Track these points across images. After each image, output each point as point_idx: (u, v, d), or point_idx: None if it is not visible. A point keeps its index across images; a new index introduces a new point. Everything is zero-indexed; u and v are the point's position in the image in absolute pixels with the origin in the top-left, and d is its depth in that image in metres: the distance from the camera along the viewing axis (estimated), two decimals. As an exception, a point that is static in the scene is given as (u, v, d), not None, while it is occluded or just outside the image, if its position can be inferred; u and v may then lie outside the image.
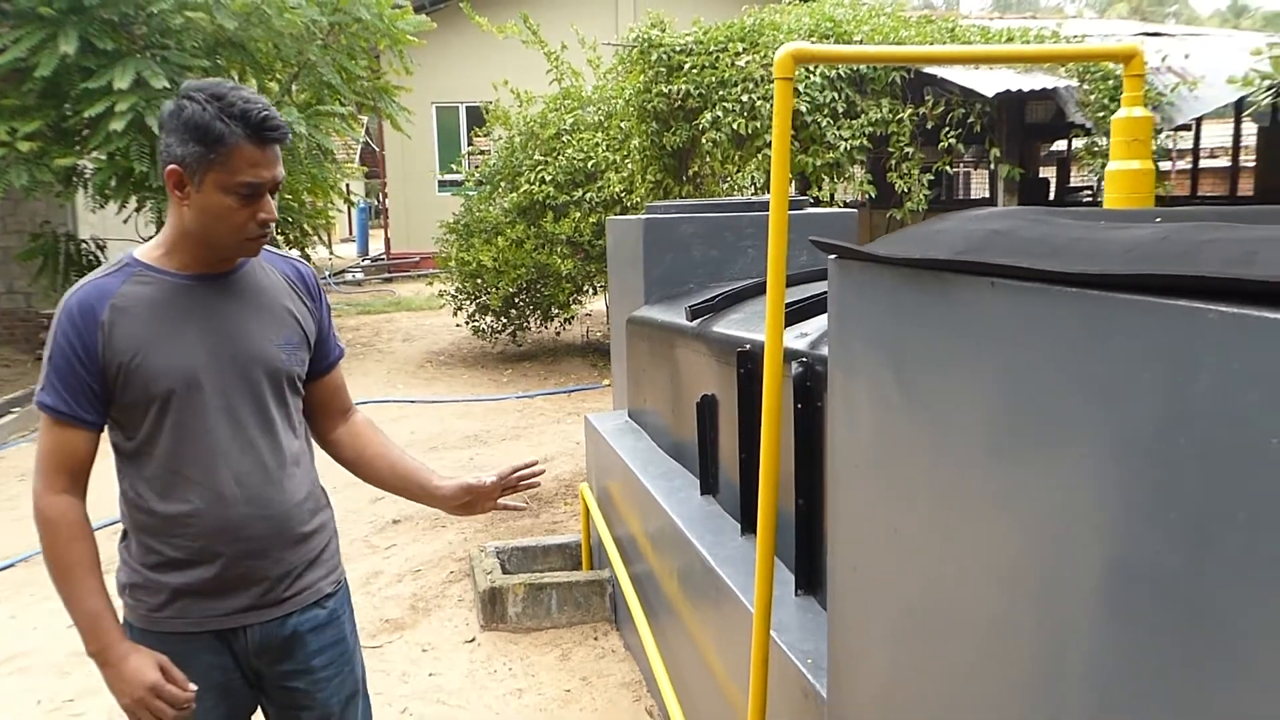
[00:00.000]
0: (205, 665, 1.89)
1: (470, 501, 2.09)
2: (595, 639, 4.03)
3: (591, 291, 10.90)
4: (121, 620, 1.88)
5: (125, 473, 1.89)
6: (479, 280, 10.19)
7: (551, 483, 6.15)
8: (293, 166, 10.26)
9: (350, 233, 29.03)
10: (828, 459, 1.82)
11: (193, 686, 1.83)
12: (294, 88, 10.35)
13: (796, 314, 2.48)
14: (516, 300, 10.41)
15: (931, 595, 1.49)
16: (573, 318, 11.07)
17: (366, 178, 25.18)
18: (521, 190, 10.02)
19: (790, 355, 2.31)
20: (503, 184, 10.47)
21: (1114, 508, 1.07)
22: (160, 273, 1.85)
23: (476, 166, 11.47)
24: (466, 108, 17.18)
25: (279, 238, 11.02)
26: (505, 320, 10.59)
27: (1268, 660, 0.89)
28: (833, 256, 1.74)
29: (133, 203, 10.04)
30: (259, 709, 2.09)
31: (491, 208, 10.51)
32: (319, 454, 2.12)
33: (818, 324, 2.51)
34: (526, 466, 2.12)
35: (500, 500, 2.12)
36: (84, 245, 10.88)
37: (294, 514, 1.93)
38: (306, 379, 2.03)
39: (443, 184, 16.79)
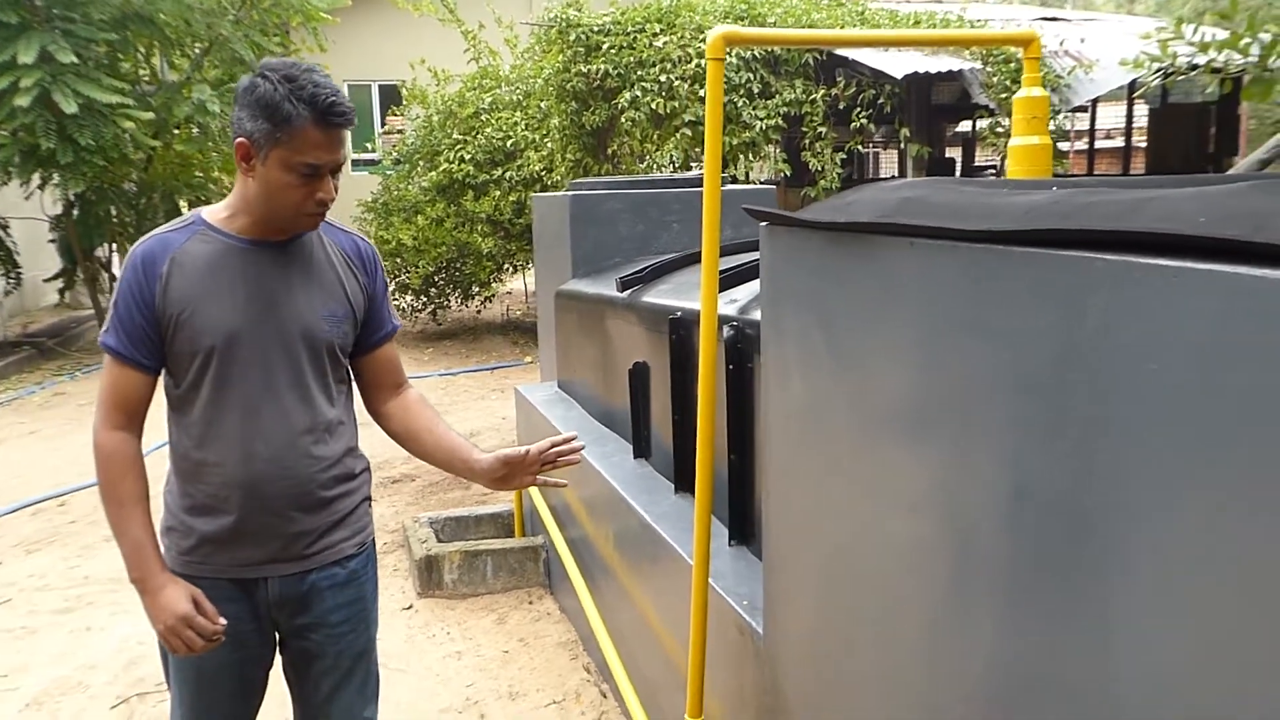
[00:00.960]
0: (223, 612, 1.96)
1: (507, 475, 2.11)
2: (530, 603, 4.16)
3: (511, 270, 10.96)
4: None
5: (172, 418, 2.01)
6: (399, 259, 10.18)
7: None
8: (205, 144, 10.11)
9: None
10: (760, 414, 1.97)
11: (222, 621, 1.93)
12: (204, 63, 10.17)
13: (725, 282, 2.63)
14: (436, 279, 10.43)
15: (855, 533, 1.65)
16: (493, 296, 11.13)
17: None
18: (441, 169, 10.03)
19: (722, 320, 2.46)
20: (421, 163, 10.46)
21: (1014, 437, 1.23)
22: (222, 234, 1.93)
23: (394, 145, 11.41)
24: (379, 86, 16.97)
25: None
26: (425, 299, 10.59)
27: (1136, 556, 1.05)
28: (764, 224, 1.89)
29: (36, 179, 9.79)
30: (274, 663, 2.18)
31: (410, 186, 10.49)
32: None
33: (745, 290, 2.67)
34: (565, 442, 2.13)
35: (540, 475, 2.15)
36: (-16, 225, 10.57)
37: (316, 478, 2.01)
38: (359, 353, 2.12)
39: (356, 163, 16.60)
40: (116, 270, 11.27)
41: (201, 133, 10.12)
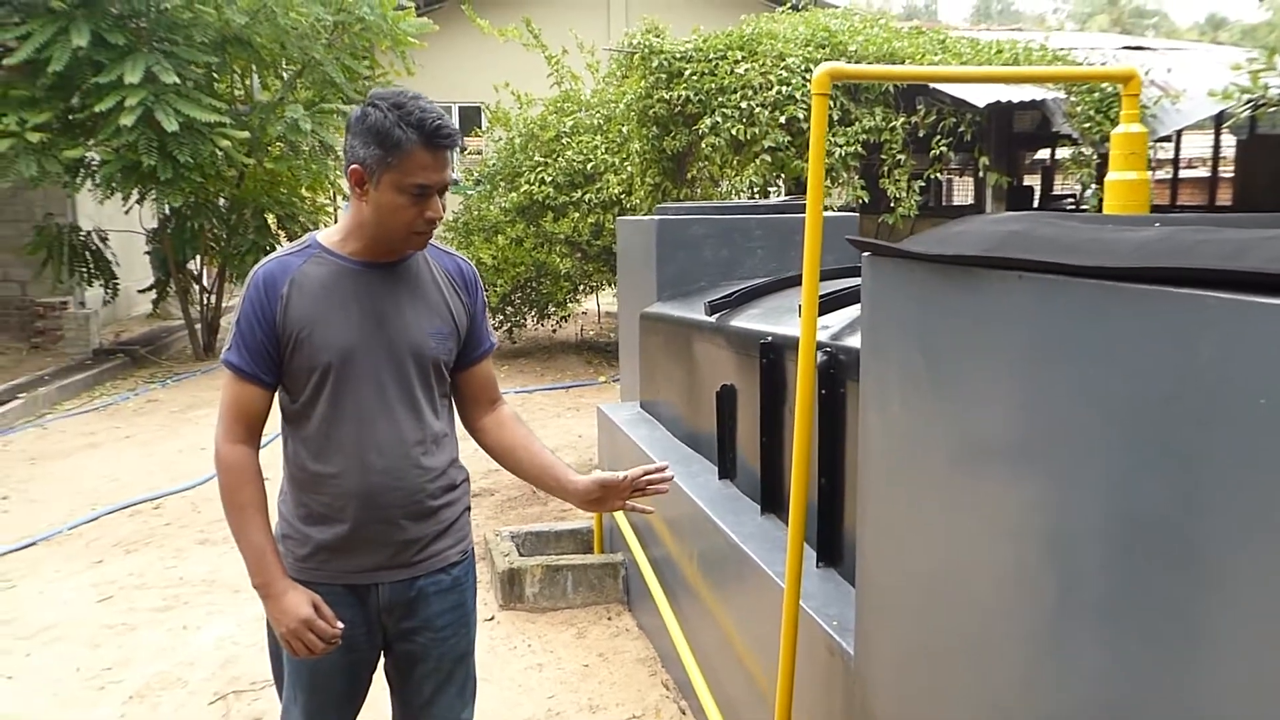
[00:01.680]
0: (341, 616, 2.07)
1: (601, 498, 2.19)
2: (609, 619, 4.23)
3: (587, 290, 11.11)
4: None
5: (288, 432, 2.13)
6: (478, 278, 10.36)
7: (557, 474, 6.35)
8: (295, 163, 10.43)
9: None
10: (859, 438, 2.02)
11: (340, 624, 2.04)
12: (297, 84, 10.51)
13: (820, 308, 2.69)
14: (513, 297, 10.61)
15: (952, 557, 1.70)
16: (569, 316, 11.27)
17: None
18: (521, 190, 10.21)
19: (817, 346, 2.52)
20: (502, 184, 10.66)
21: (1120, 467, 1.28)
22: (336, 256, 2.06)
23: (476, 166, 11.65)
24: (460, 108, 17.33)
25: (280, 233, 11.18)
26: (502, 317, 10.78)
27: (1241, 586, 1.09)
28: (867, 254, 1.95)
29: (135, 195, 10.18)
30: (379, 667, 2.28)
31: (491, 207, 10.70)
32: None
33: (837, 318, 2.73)
34: (657, 470, 2.20)
35: (629, 501, 2.22)
36: (87, 237, 11.00)
37: (426, 488, 2.12)
38: (457, 369, 2.23)
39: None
40: (206, 283, 11.65)
41: (291, 151, 10.45)
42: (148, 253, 12.00)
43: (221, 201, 10.90)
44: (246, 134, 9.53)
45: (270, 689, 3.64)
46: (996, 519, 1.55)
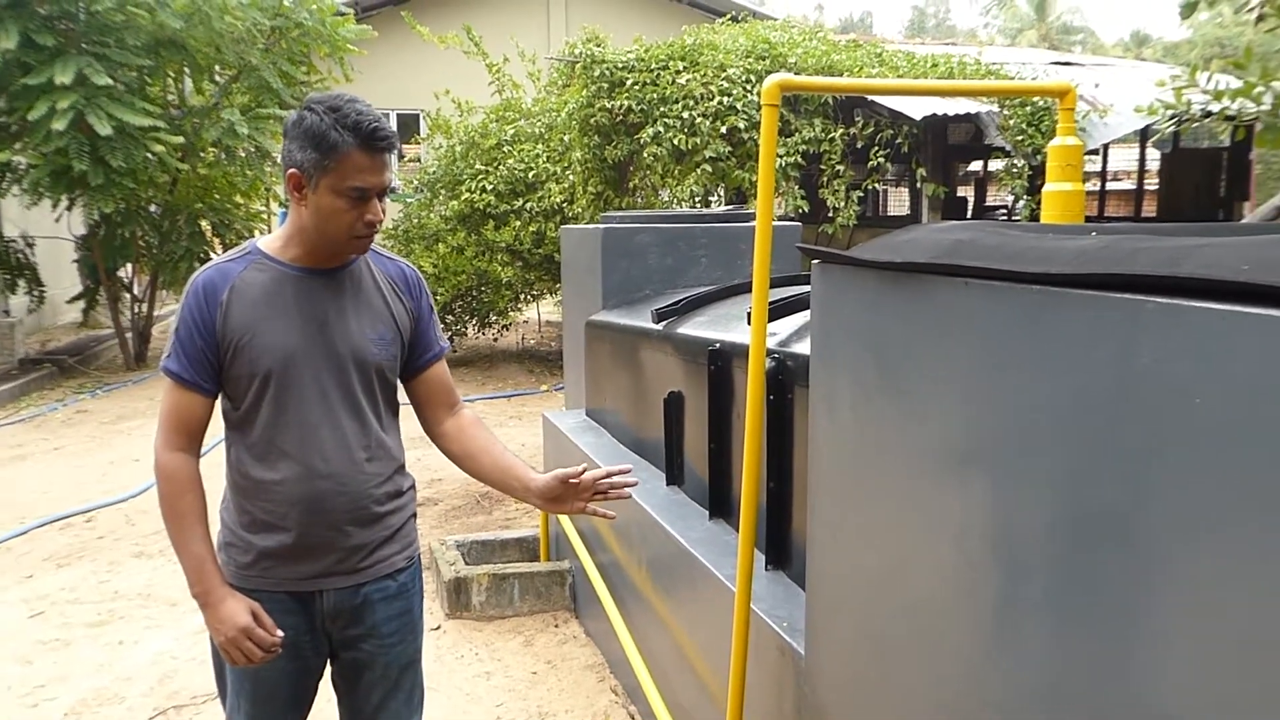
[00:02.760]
0: (280, 624, 2.06)
1: (562, 495, 2.19)
2: (556, 626, 4.24)
3: (529, 299, 11.09)
4: None
5: (231, 439, 2.10)
6: (418, 286, 10.30)
7: (500, 482, 6.34)
8: (231, 169, 10.29)
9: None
10: (809, 442, 2.06)
11: (280, 633, 2.03)
12: (232, 89, 10.36)
13: (769, 315, 2.73)
14: (454, 306, 10.56)
15: (902, 558, 1.74)
16: (510, 324, 11.24)
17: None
18: (462, 198, 10.17)
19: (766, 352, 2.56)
20: (443, 192, 10.61)
21: (1067, 464, 1.33)
22: (277, 263, 2.05)
23: (415, 174, 11.59)
24: (398, 115, 17.21)
25: (215, 239, 11.00)
26: (443, 326, 10.71)
27: (1184, 580, 1.15)
28: (817, 261, 2.00)
29: (64, 200, 9.96)
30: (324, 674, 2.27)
31: (431, 215, 10.64)
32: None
33: (785, 325, 2.77)
34: (621, 473, 2.21)
35: (590, 505, 2.21)
36: (12, 244, 10.73)
37: (371, 493, 2.11)
38: (410, 374, 2.22)
39: (373, 190, 16.78)
40: (138, 291, 11.42)
41: (227, 157, 10.30)
42: (76, 260, 11.74)
43: (154, 208, 10.69)
44: (181, 139, 9.37)
45: (211, 704, 3.60)
46: (945, 519, 1.60)
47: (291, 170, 1.96)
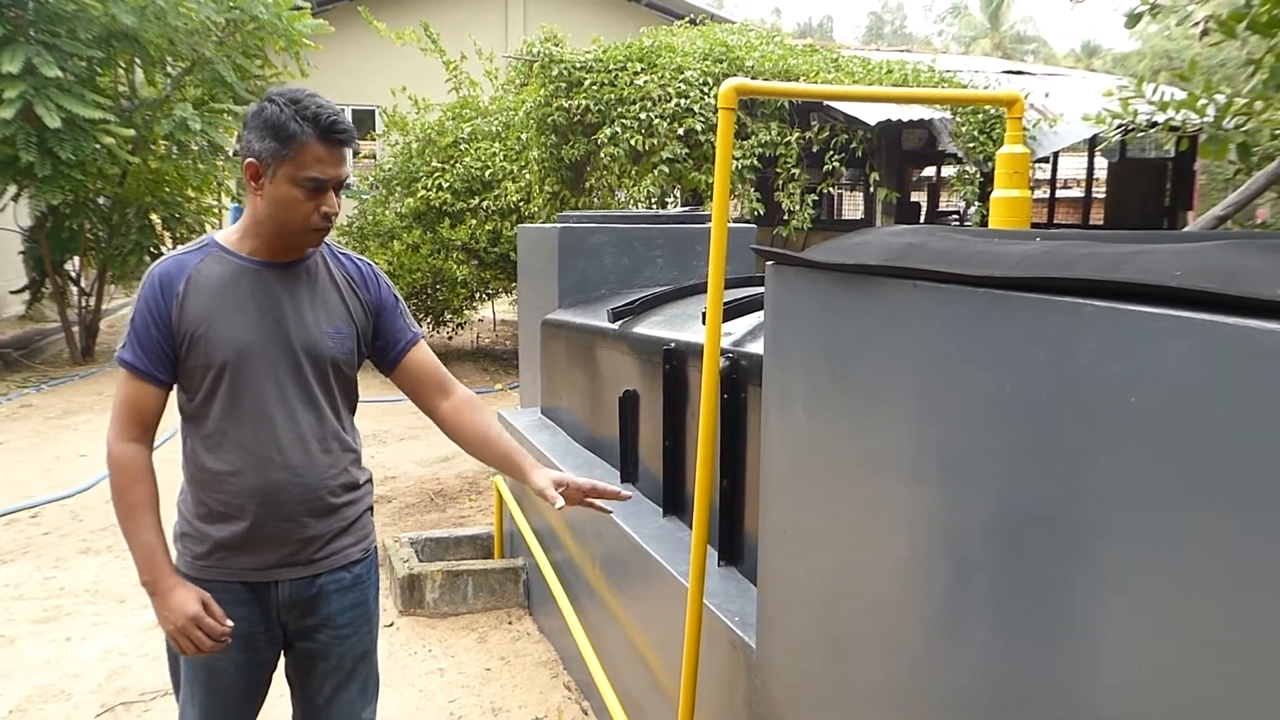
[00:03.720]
0: (235, 615, 2.07)
1: (560, 494, 2.21)
2: (510, 623, 4.25)
3: (484, 297, 11.07)
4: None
5: (186, 430, 2.11)
6: (373, 283, 10.24)
7: (455, 480, 6.34)
8: (183, 162, 10.16)
9: (224, 232, 28.39)
10: (762, 441, 2.10)
11: (229, 623, 2.04)
12: (185, 82, 10.23)
13: (723, 315, 2.77)
14: (409, 304, 10.50)
15: (852, 552, 1.78)
16: (465, 323, 11.21)
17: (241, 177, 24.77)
18: (419, 196, 10.14)
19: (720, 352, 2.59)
20: (399, 189, 10.56)
21: (1011, 462, 1.38)
22: (234, 255, 2.07)
23: (370, 171, 11.52)
24: (353, 110, 17.08)
25: (165, 233, 10.86)
26: (398, 324, 10.66)
27: (1122, 573, 1.20)
28: (771, 263, 2.04)
29: (10, 191, 9.78)
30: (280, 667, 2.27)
31: (387, 212, 10.59)
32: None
33: (739, 325, 2.81)
34: (617, 496, 2.27)
35: (587, 500, 2.25)
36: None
37: (326, 484, 2.13)
38: (388, 365, 2.26)
39: (328, 186, 16.65)
40: (85, 284, 11.23)
41: (179, 150, 10.16)
42: (22, 252, 11.52)
43: (103, 200, 10.53)
44: (131, 132, 9.24)
45: (161, 700, 3.57)
46: (894, 516, 1.64)
47: (249, 160, 1.98)
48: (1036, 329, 1.32)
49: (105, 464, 2.05)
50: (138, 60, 10.03)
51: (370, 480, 2.30)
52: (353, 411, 2.26)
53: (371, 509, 2.31)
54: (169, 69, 10.41)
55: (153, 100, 10.08)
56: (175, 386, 2.09)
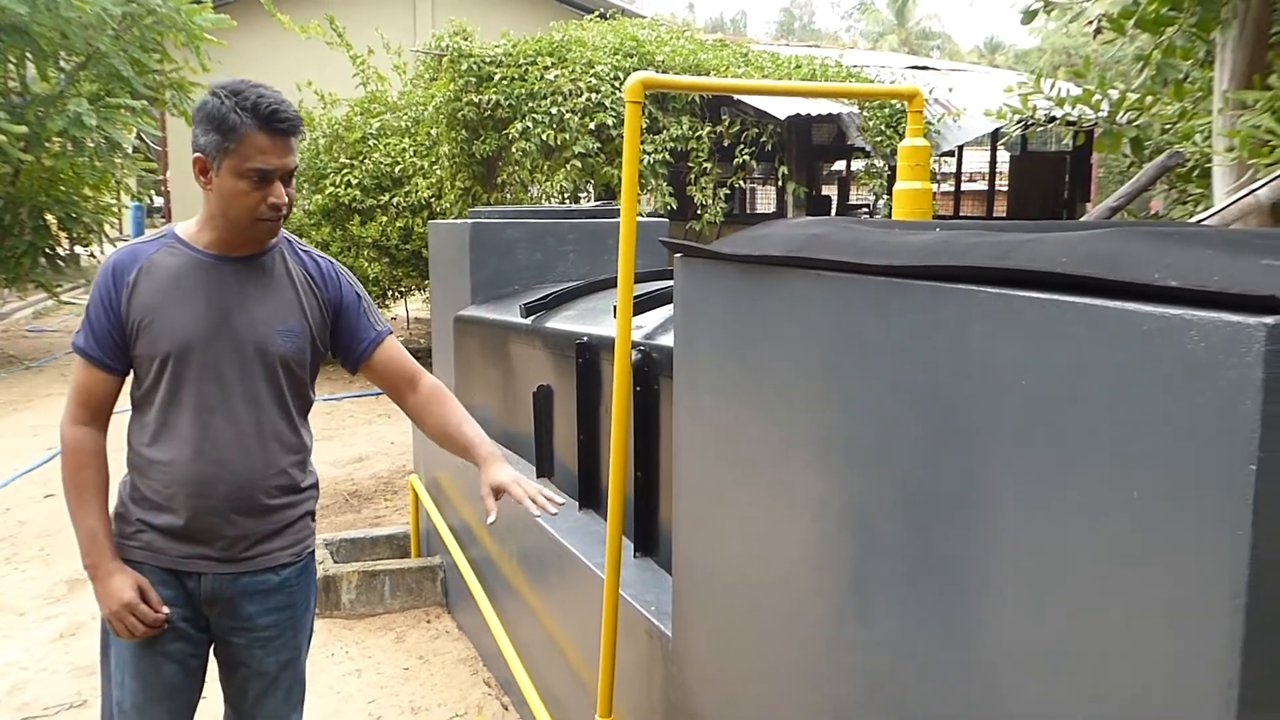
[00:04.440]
0: (163, 598, 2.09)
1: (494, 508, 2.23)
2: (428, 621, 4.22)
3: (397, 295, 10.93)
4: None
5: (132, 416, 2.13)
6: (281, 282, 10.06)
7: (370, 480, 6.26)
8: (79, 159, 9.83)
9: (123, 233, 27.54)
10: (674, 432, 2.12)
11: (165, 610, 2.06)
12: (80, 77, 9.90)
13: (634, 309, 2.79)
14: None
15: (763, 538, 1.82)
16: (377, 321, 11.06)
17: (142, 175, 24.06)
18: (327, 193, 9.96)
19: (631, 345, 2.61)
20: (306, 185, 10.37)
21: (913, 446, 1.42)
22: (189, 248, 2.08)
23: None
24: (259, 106, 16.71)
25: (61, 234, 10.50)
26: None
27: (1014, 549, 1.25)
28: (679, 255, 2.06)
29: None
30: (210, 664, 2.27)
31: (294, 209, 10.39)
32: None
33: (650, 318, 2.84)
34: (551, 502, 2.22)
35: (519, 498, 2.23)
36: None
37: (259, 484, 2.11)
38: (355, 363, 2.25)
39: (233, 183, 16.28)
40: (-23, 287, 10.81)
41: (75, 148, 9.84)
42: (-91, 253, 11.02)
43: (-7, 200, 10.15)
44: (24, 128, 8.91)
45: (66, 713, 3.47)
46: (802, 502, 1.68)
47: (197, 155, 1.98)
48: (933, 316, 1.37)
49: (59, 444, 2.09)
50: (28, 54, 9.67)
51: (315, 485, 2.27)
52: (304, 412, 2.23)
53: (313, 514, 2.28)
54: (62, 63, 10.07)
55: (46, 96, 9.74)
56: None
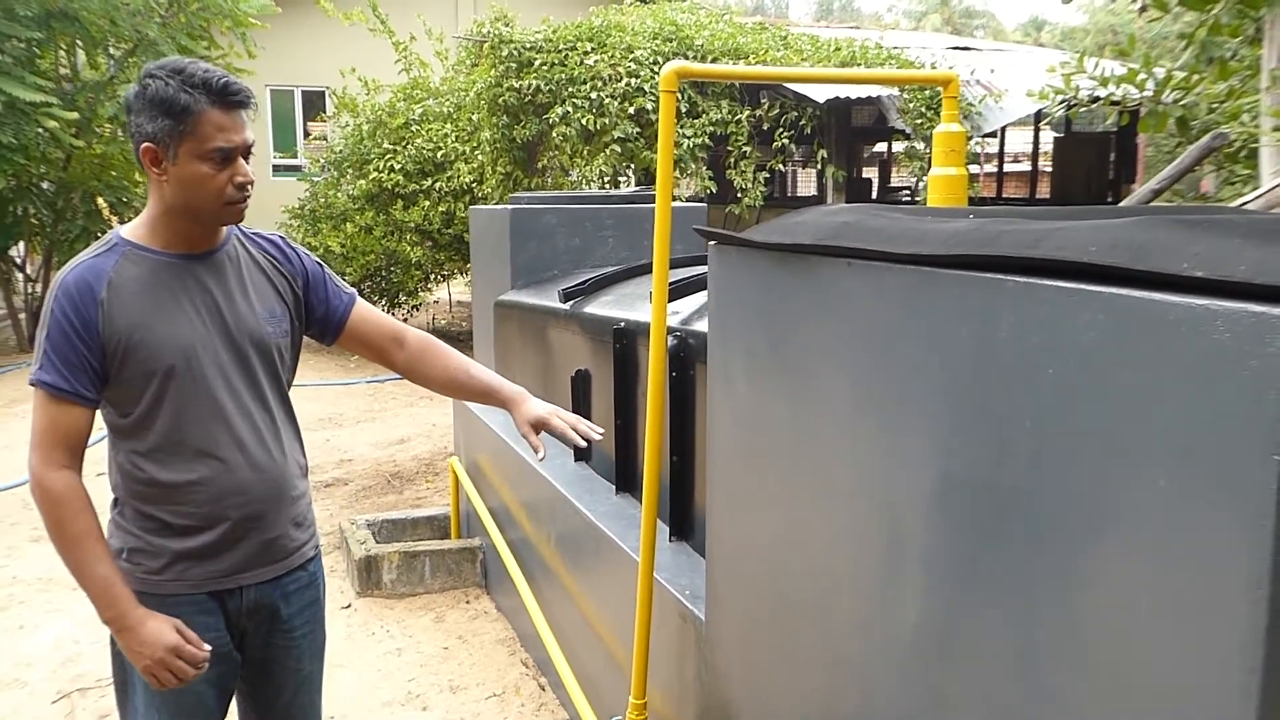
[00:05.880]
0: (199, 627, 1.94)
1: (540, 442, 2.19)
2: (467, 602, 4.29)
3: (439, 279, 11.03)
4: None
5: (121, 446, 1.95)
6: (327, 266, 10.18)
7: (411, 462, 6.34)
8: (129, 145, 9.99)
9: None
10: (706, 418, 2.14)
11: (207, 647, 1.92)
12: (129, 63, 10.06)
13: (670, 295, 2.81)
14: (363, 287, 10.45)
15: (795, 522, 1.84)
16: (420, 305, 11.17)
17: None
18: (370, 178, 10.06)
19: (667, 331, 2.64)
20: (350, 171, 10.47)
21: (938, 431, 1.43)
22: (149, 251, 1.91)
23: (321, 153, 11.41)
24: (302, 92, 16.87)
25: (113, 218, 10.69)
26: (352, 307, 10.60)
27: (1044, 529, 1.26)
28: (713, 243, 2.08)
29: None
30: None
31: (338, 194, 10.50)
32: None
33: (687, 304, 2.86)
34: (593, 430, 2.21)
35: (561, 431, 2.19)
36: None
37: (286, 476, 2.05)
38: (333, 333, 2.18)
39: (277, 168, 16.47)
40: (30, 271, 11.04)
41: (124, 134, 9.99)
42: (-37, 239, 11.27)
43: (47, 185, 10.34)
44: (75, 115, 9.08)
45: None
46: (833, 484, 1.70)
47: (145, 145, 1.81)
48: (961, 304, 1.38)
49: (34, 497, 1.87)
50: (79, 41, 9.84)
51: (308, 469, 2.22)
52: (289, 396, 2.16)
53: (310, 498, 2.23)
54: (111, 50, 10.23)
55: (95, 82, 9.90)
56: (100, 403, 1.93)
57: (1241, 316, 1.00)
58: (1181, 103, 4.81)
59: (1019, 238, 1.36)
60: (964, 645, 1.41)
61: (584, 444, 2.21)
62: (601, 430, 2.25)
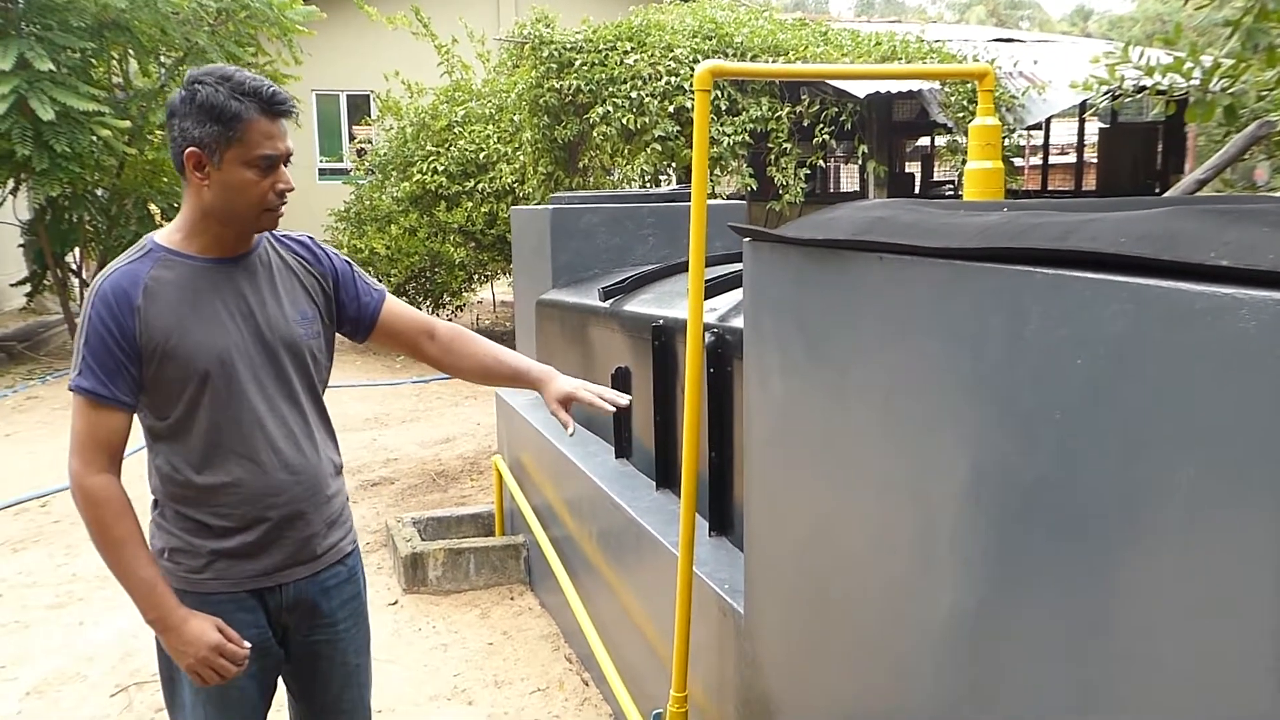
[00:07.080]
0: (240, 624, 1.98)
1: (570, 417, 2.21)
2: (512, 599, 4.34)
3: (482, 279, 11.13)
4: None
5: (159, 449, 1.99)
6: (372, 268, 10.31)
7: (456, 461, 6.42)
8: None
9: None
10: (743, 414, 2.17)
11: (247, 644, 1.96)
12: (179, 72, 10.26)
13: (707, 292, 2.84)
14: (408, 288, 10.57)
15: (830, 515, 1.86)
16: (464, 305, 11.27)
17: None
18: (414, 180, 10.18)
19: (704, 328, 2.66)
20: (394, 173, 10.60)
21: (971, 422, 1.45)
22: (183, 257, 1.93)
23: (363, 154, 11.56)
24: (347, 96, 17.08)
25: (164, 224, 10.91)
26: (397, 308, 10.73)
27: (1076, 518, 1.27)
28: (748, 239, 2.10)
29: (9, 185, 9.84)
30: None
31: (383, 197, 10.63)
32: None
33: (724, 300, 2.88)
34: (614, 405, 2.22)
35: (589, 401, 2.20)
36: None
37: (320, 476, 2.08)
38: (364, 329, 2.21)
39: (323, 172, 16.69)
40: (86, 276, 11.30)
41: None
42: (22, 245, 11.58)
43: (101, 192, 10.58)
44: (127, 123, 9.28)
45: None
46: (868, 478, 1.72)
47: (190, 149, 1.84)
48: (991, 298, 1.39)
49: (75, 502, 1.89)
50: (130, 50, 10.05)
51: (342, 467, 2.24)
52: (320, 395, 2.18)
53: (348, 498, 2.26)
54: (162, 59, 10.44)
55: (147, 91, 10.11)
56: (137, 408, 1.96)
57: (1267, 305, 1.01)
58: (1229, 91, 4.74)
59: (1050, 230, 1.37)
60: (999, 636, 1.42)
61: (611, 409, 2.23)
62: (628, 397, 2.28)
